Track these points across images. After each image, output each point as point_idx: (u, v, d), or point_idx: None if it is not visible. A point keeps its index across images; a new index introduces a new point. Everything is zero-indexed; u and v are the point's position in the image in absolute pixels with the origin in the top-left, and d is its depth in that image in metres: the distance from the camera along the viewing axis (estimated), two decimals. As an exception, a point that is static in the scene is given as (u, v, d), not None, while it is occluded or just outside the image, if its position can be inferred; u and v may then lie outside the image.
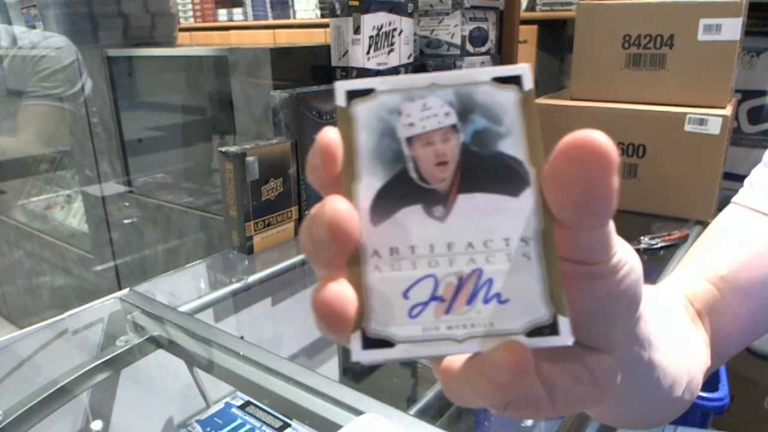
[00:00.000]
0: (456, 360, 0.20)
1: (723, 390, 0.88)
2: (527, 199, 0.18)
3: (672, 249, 0.98)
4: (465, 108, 0.19)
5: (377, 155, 0.19)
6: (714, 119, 1.00)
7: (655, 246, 0.99)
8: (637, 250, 0.99)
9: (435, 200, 0.19)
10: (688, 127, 1.02)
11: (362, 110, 0.19)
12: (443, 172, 0.19)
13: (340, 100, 0.19)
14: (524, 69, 0.19)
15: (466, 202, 0.18)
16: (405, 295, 0.18)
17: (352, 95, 0.19)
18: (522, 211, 0.18)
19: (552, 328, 0.18)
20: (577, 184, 0.17)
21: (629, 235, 1.02)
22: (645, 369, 0.27)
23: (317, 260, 0.18)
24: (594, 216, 0.18)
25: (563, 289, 0.18)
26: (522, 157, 0.18)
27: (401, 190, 0.19)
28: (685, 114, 1.02)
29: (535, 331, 0.18)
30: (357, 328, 0.18)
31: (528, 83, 0.19)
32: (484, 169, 0.19)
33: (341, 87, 0.19)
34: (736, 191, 0.41)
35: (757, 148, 1.29)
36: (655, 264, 0.95)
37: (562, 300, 0.18)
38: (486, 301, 0.18)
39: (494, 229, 0.18)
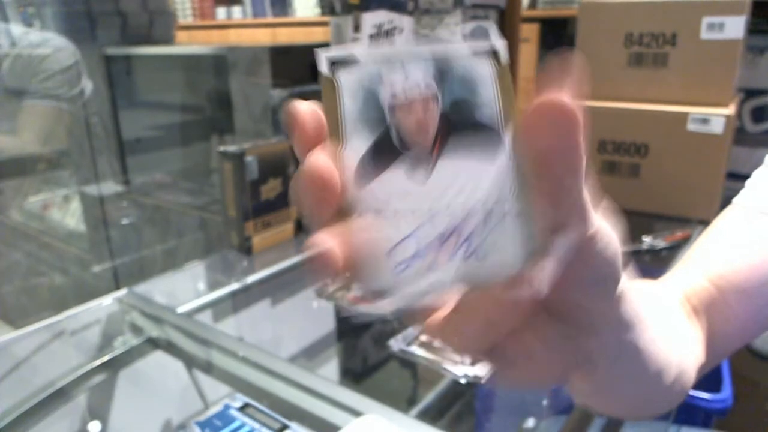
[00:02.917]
0: (437, 315, 0.22)
1: (726, 391, 0.88)
2: (503, 162, 0.19)
3: (675, 249, 0.97)
4: (445, 79, 0.20)
5: (361, 122, 0.20)
6: (717, 118, 0.99)
7: (658, 246, 0.98)
8: (640, 251, 0.99)
9: (416, 165, 0.20)
10: (690, 127, 1.02)
11: (346, 79, 0.20)
12: (424, 139, 0.20)
13: (323, 67, 0.20)
14: (500, 44, 0.20)
15: (446, 167, 0.20)
16: (389, 254, 0.19)
17: (335, 63, 0.20)
18: (498, 174, 0.19)
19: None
20: (545, 140, 0.18)
21: (631, 235, 1.02)
22: (627, 351, 0.27)
23: (306, 211, 0.20)
24: (564, 173, 0.19)
25: (538, 245, 0.19)
26: (497, 125, 0.20)
27: (384, 156, 0.20)
28: (687, 113, 1.02)
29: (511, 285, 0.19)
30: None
31: (505, 57, 0.20)
32: (462, 136, 0.20)
33: (323, 54, 0.20)
34: (739, 191, 0.41)
35: (760, 147, 1.28)
36: (658, 264, 0.94)
37: (537, 256, 0.19)
38: (465, 258, 0.19)
39: (472, 192, 0.19)
